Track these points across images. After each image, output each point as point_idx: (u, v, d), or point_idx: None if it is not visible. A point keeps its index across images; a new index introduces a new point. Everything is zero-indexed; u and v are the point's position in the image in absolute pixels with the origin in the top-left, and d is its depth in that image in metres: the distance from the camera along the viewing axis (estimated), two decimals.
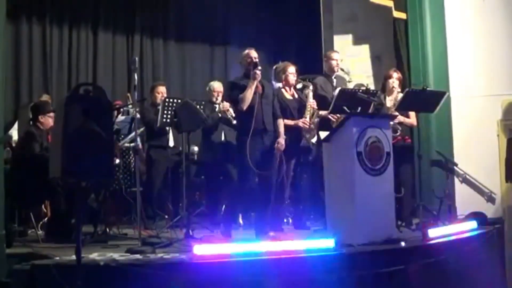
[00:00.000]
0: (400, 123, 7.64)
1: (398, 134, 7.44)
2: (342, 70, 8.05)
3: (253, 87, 6.91)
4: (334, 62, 8.14)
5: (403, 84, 8.27)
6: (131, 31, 11.38)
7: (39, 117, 7.17)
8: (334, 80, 8.12)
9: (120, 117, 8.63)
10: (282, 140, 7.14)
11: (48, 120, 7.12)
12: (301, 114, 7.73)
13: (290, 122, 7.59)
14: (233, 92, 7.07)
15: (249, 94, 6.88)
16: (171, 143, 8.52)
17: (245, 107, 6.88)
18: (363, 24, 10.28)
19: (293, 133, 7.61)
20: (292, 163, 7.72)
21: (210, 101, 8.63)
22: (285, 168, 7.57)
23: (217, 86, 8.80)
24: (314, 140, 7.87)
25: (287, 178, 7.68)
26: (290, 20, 12.67)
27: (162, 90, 8.56)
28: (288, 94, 7.81)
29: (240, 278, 5.15)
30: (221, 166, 8.47)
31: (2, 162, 5.41)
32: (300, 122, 7.65)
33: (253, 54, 7.17)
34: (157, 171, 8.36)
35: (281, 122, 7.27)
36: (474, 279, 6.55)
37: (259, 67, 6.98)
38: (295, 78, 7.89)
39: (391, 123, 7.19)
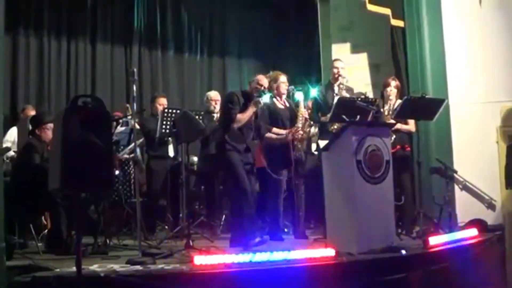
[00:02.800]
0: (398, 130, 7.65)
1: (392, 140, 7.44)
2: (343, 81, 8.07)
3: (251, 111, 7.11)
4: (335, 70, 8.22)
5: (401, 92, 8.28)
6: (130, 42, 11.40)
7: (36, 130, 7.18)
8: (336, 88, 8.14)
9: (119, 128, 8.62)
10: (288, 134, 7.53)
11: (47, 133, 7.11)
12: (292, 124, 7.74)
13: (282, 131, 7.61)
14: (233, 105, 7.13)
15: (246, 117, 7.08)
16: (171, 153, 8.52)
17: (237, 127, 7.05)
18: (361, 32, 10.29)
19: (285, 142, 7.61)
20: (285, 171, 7.71)
21: (208, 111, 8.66)
22: (278, 177, 7.60)
23: (214, 95, 8.86)
24: (313, 148, 7.87)
25: (281, 187, 7.68)
26: (288, 30, 12.70)
27: (163, 102, 8.59)
28: (279, 103, 7.82)
29: None
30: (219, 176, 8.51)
31: (1, 174, 5.41)
32: (292, 131, 7.66)
33: (264, 82, 7.31)
34: (157, 182, 8.36)
35: (269, 134, 7.58)
36: (475, 287, 6.54)
37: (261, 99, 7.14)
38: (287, 87, 7.90)
39: None
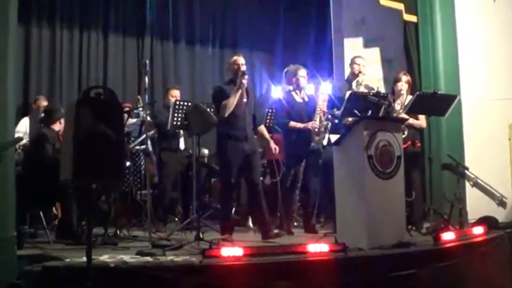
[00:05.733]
0: (409, 126, 7.62)
1: (405, 135, 7.41)
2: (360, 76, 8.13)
3: (237, 95, 6.93)
4: (356, 67, 8.23)
5: (413, 87, 8.26)
6: (141, 34, 11.42)
7: (49, 123, 7.23)
8: (354, 84, 8.15)
9: (131, 120, 8.65)
10: (272, 144, 7.54)
11: (59, 126, 7.20)
12: (310, 117, 7.73)
13: (300, 124, 7.63)
14: (218, 98, 7.08)
15: (232, 103, 6.91)
16: (182, 146, 8.54)
17: (226, 115, 6.91)
18: (373, 27, 10.25)
19: (303, 135, 7.63)
20: (302, 165, 7.72)
21: None
22: (294, 171, 7.62)
23: None
24: (325, 142, 7.87)
25: (296, 181, 7.69)
26: (300, 23, 12.69)
27: (176, 94, 8.63)
28: (298, 97, 7.84)
29: (250, 281, 5.15)
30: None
31: (13, 164, 5.42)
32: (309, 125, 7.66)
33: (240, 60, 7.15)
34: (168, 174, 8.38)
35: (262, 129, 7.61)
36: (485, 283, 6.52)
37: (246, 76, 6.97)
38: (306, 81, 7.92)
39: None
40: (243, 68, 7.04)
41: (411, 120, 7.64)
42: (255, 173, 7.13)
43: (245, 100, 7.09)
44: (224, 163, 7.06)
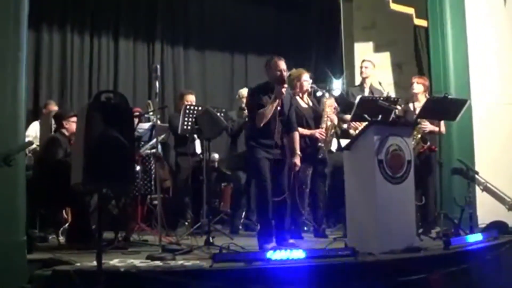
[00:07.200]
0: (431, 132, 7.65)
1: (428, 145, 7.42)
2: (380, 84, 8.14)
3: (275, 105, 6.47)
4: (360, 70, 8.26)
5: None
6: (152, 38, 11.42)
7: (64, 123, 7.23)
8: (366, 90, 8.14)
9: (141, 124, 8.66)
10: (297, 160, 6.85)
11: (72, 126, 7.17)
12: (316, 123, 7.69)
13: (306, 131, 7.52)
14: (251, 102, 6.74)
15: (268, 112, 6.45)
16: (198, 150, 8.53)
17: (262, 125, 6.49)
18: (383, 32, 10.27)
19: (310, 142, 7.58)
20: (309, 171, 7.67)
21: (240, 108, 8.71)
22: (302, 177, 7.58)
23: (246, 93, 8.87)
24: (333, 148, 7.85)
25: (305, 186, 7.65)
26: (311, 28, 12.67)
27: (191, 99, 8.65)
28: (303, 102, 7.74)
29: (260, 286, 5.14)
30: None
31: (23, 168, 5.44)
32: (317, 133, 7.59)
33: (282, 65, 6.65)
34: (183, 179, 8.40)
35: (296, 136, 6.94)
36: None
37: (286, 85, 6.56)
38: (310, 85, 7.83)
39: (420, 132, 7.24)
40: (285, 74, 6.64)
41: (432, 127, 7.69)
42: (282, 180, 6.67)
43: (279, 107, 6.59)
44: (256, 171, 6.67)
